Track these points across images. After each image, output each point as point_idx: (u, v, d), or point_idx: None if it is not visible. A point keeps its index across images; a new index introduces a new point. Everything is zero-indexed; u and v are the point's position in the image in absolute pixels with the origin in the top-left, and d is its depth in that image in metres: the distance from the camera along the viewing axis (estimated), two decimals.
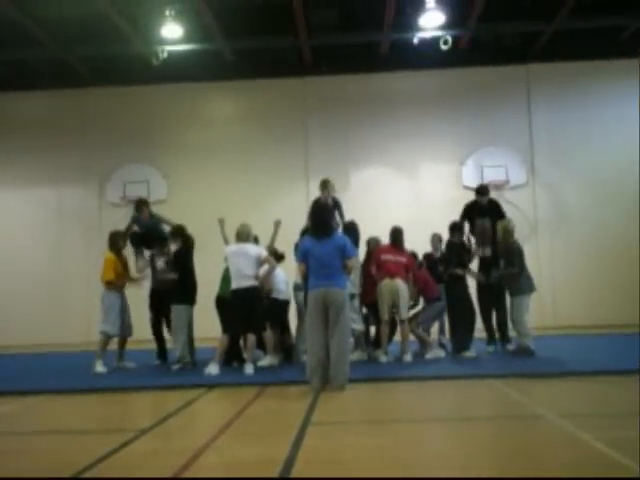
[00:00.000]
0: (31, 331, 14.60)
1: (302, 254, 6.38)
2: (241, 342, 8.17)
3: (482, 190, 9.25)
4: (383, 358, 7.97)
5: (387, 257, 8.08)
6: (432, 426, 4.65)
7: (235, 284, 7.48)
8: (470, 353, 8.19)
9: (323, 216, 6.54)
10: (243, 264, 7.45)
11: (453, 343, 8.57)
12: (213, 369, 7.25)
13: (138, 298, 8.99)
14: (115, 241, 8.61)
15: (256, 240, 8.29)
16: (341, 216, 8.51)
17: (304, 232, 8.46)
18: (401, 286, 7.95)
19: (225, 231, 8.44)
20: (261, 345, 8.02)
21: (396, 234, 8.25)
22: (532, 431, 4.28)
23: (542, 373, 6.69)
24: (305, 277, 6.58)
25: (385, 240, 8.60)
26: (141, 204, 9.03)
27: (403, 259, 8.13)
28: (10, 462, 3.94)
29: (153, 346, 9.00)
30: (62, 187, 15.62)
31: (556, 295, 14.45)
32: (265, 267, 7.75)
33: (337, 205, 8.55)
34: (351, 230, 8.16)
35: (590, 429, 4.02)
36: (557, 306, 14.42)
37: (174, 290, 8.09)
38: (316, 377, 6.09)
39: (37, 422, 5.40)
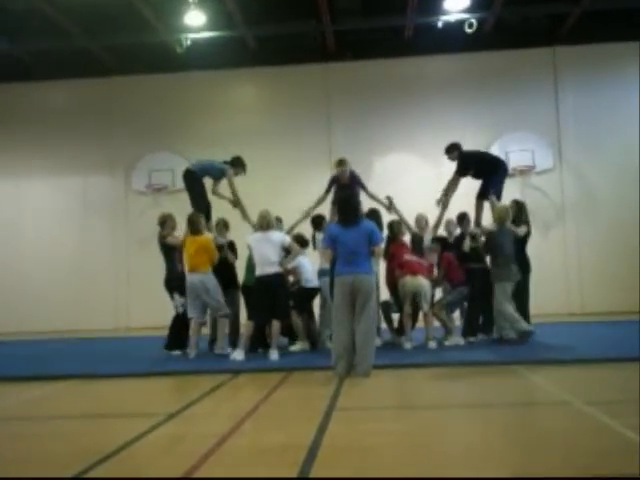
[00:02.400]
0: (59, 317, 14.85)
1: (329, 240, 6.41)
2: (267, 329, 8.23)
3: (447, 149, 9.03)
4: (407, 345, 8.00)
5: (409, 258, 8.15)
6: (457, 412, 4.64)
7: (259, 271, 7.51)
8: (473, 339, 8.39)
9: (350, 203, 6.53)
10: (267, 250, 7.48)
11: (464, 326, 8.62)
12: (238, 355, 7.33)
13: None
14: (200, 222, 8.14)
15: (279, 221, 8.38)
16: (363, 187, 8.56)
17: (315, 221, 8.52)
18: (423, 282, 8.04)
19: (244, 208, 8.53)
20: (285, 332, 8.07)
21: (417, 242, 8.28)
22: (559, 418, 4.24)
23: (568, 360, 6.62)
24: (332, 263, 6.60)
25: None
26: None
27: (424, 263, 8.24)
28: (40, 445, 4.02)
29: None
30: (88, 176, 15.80)
31: (583, 281, 14.30)
32: (295, 261, 7.93)
33: (356, 178, 8.60)
34: (374, 218, 8.19)
35: (617, 416, 3.97)
36: (584, 292, 14.26)
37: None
38: (341, 363, 6.11)
39: (66, 406, 5.49)
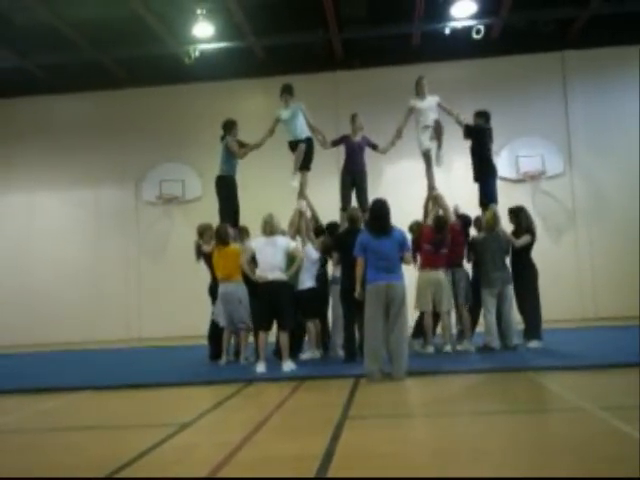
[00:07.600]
0: (71, 329, 14.88)
1: (360, 249, 6.49)
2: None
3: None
4: (429, 349, 7.98)
5: (428, 247, 7.98)
6: (472, 419, 4.61)
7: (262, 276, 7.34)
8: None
9: (383, 213, 6.65)
10: (271, 254, 7.32)
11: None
12: (260, 368, 7.10)
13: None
14: (227, 233, 8.23)
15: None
16: (374, 147, 9.57)
17: (329, 229, 8.49)
18: (442, 277, 7.96)
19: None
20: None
21: (440, 223, 8.05)
22: (574, 424, 4.21)
23: (582, 366, 6.57)
24: (362, 271, 6.54)
25: None
26: None
27: (445, 251, 8.01)
28: (55, 457, 4.03)
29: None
30: (99, 187, 15.88)
31: (596, 286, 14.18)
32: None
33: (369, 143, 9.51)
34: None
35: (632, 421, 3.93)
36: (597, 297, 14.15)
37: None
38: (376, 370, 6.25)
39: (80, 418, 5.51)
